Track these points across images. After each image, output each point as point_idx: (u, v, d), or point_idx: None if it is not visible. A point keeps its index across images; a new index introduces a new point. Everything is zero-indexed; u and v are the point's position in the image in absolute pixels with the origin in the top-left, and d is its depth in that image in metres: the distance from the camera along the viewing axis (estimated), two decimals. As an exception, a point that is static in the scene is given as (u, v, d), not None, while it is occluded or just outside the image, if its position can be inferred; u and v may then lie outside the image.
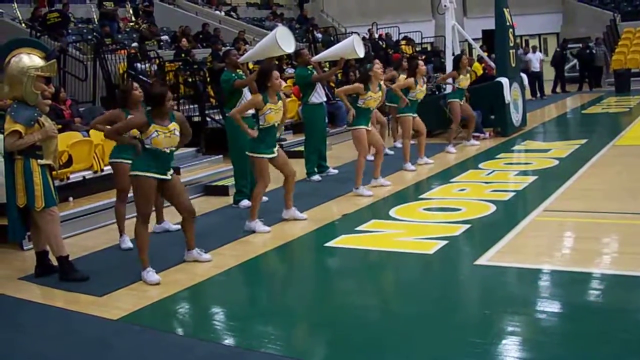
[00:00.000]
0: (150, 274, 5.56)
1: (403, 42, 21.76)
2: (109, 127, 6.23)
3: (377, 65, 8.48)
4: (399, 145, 11.87)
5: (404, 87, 9.79)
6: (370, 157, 8.88)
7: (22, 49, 5.68)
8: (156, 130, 5.42)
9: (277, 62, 14.52)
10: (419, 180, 9.11)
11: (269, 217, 7.11)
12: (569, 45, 22.94)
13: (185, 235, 5.96)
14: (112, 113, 6.64)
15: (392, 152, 11.16)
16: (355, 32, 9.70)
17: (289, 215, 7.23)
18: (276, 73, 6.97)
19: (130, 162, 6.33)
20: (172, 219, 7.10)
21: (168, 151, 5.56)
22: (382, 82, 8.53)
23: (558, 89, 21.49)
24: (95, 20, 17.42)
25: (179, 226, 6.36)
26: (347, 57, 9.06)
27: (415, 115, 9.78)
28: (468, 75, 11.47)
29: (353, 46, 8.71)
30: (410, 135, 9.81)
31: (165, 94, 5.50)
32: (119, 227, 6.77)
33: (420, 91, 9.85)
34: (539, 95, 20.46)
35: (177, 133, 5.58)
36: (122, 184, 6.64)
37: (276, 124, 6.96)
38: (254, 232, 6.89)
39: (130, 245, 6.63)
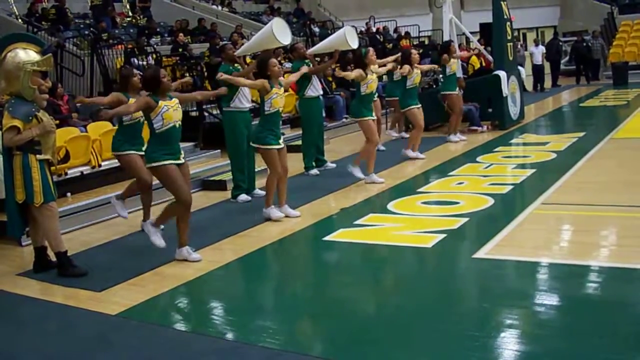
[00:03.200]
0: (191, 254, 5.83)
1: (404, 36, 21.69)
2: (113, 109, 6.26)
3: (372, 52, 8.55)
4: (404, 135, 11.93)
5: (405, 73, 9.81)
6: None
7: (17, 44, 5.67)
8: (165, 105, 5.64)
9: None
10: (417, 174, 9.11)
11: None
12: (564, 39, 22.89)
13: (177, 228, 5.90)
14: (114, 96, 6.70)
15: (383, 148, 11.13)
16: (353, 26, 9.62)
17: (283, 212, 7.20)
18: (274, 61, 7.08)
19: (136, 152, 6.57)
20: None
21: (177, 125, 5.74)
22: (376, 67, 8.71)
23: (559, 82, 21.46)
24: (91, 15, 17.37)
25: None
26: (341, 48, 9.04)
27: (419, 105, 9.85)
28: (458, 60, 11.64)
29: (345, 37, 8.68)
30: (422, 125, 9.88)
31: (159, 72, 5.72)
32: (144, 211, 6.94)
33: (417, 75, 9.96)
34: (538, 88, 20.47)
35: (180, 108, 5.82)
36: (138, 175, 6.70)
37: (280, 110, 7.03)
38: (270, 219, 6.95)
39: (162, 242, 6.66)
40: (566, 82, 21.77)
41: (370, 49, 8.82)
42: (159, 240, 5.95)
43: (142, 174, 6.63)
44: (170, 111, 5.66)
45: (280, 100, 7.01)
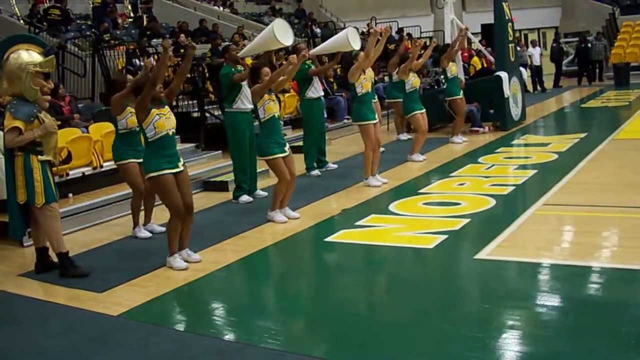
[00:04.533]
0: (177, 260, 5.72)
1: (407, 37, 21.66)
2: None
3: (362, 54, 8.48)
4: (402, 138, 11.92)
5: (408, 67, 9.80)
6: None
7: (20, 45, 5.67)
8: (157, 114, 5.60)
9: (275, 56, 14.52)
10: (418, 174, 9.10)
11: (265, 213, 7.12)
12: (566, 40, 22.89)
13: (168, 236, 5.83)
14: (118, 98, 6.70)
15: (383, 149, 11.09)
16: (355, 27, 9.61)
17: (283, 214, 7.17)
18: (266, 70, 7.01)
19: (135, 160, 6.59)
20: (157, 221, 7.08)
21: (171, 133, 5.70)
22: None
23: (560, 83, 21.45)
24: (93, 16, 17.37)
25: (164, 228, 6.32)
26: (343, 49, 9.02)
27: (423, 110, 9.84)
28: (459, 62, 11.70)
29: (347, 39, 8.65)
30: (426, 130, 9.86)
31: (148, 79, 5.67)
32: (133, 219, 6.91)
33: (414, 77, 9.96)
34: (539, 89, 20.48)
35: (172, 115, 5.79)
36: (133, 182, 6.79)
37: (276, 115, 6.99)
38: (272, 221, 6.95)
39: (147, 234, 6.79)
40: (568, 82, 21.76)
41: (362, 52, 8.68)
42: (179, 263, 5.75)
43: (136, 181, 6.75)
44: (162, 119, 5.60)
45: (274, 105, 6.96)
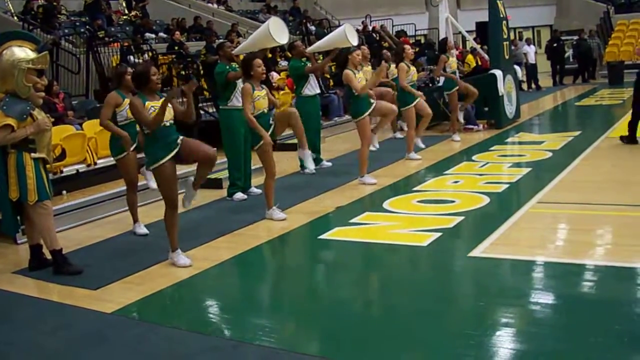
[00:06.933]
0: (180, 257, 5.70)
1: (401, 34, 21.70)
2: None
3: (357, 51, 8.47)
4: (399, 136, 11.91)
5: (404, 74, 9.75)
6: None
7: (13, 41, 5.64)
8: (152, 106, 5.54)
9: (270, 55, 14.53)
10: (412, 172, 9.11)
11: (261, 211, 7.11)
12: (564, 38, 22.95)
13: (168, 232, 5.75)
14: (111, 97, 6.67)
15: (375, 148, 11.08)
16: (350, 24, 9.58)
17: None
18: (258, 61, 7.00)
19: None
20: (152, 218, 7.07)
21: (168, 124, 5.60)
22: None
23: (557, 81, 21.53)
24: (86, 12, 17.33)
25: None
26: (341, 46, 9.01)
27: (417, 101, 9.81)
28: (455, 57, 11.78)
29: (345, 35, 8.64)
30: (414, 126, 9.83)
31: (149, 69, 5.63)
32: (132, 215, 6.90)
33: (414, 72, 9.97)
34: (534, 87, 20.52)
35: (171, 106, 5.69)
36: (129, 176, 6.80)
37: (265, 111, 6.98)
38: (271, 219, 6.94)
39: (145, 231, 6.80)
40: (566, 80, 21.78)
41: (356, 50, 8.64)
42: (183, 260, 5.72)
43: (130, 175, 6.78)
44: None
45: (263, 101, 6.94)
